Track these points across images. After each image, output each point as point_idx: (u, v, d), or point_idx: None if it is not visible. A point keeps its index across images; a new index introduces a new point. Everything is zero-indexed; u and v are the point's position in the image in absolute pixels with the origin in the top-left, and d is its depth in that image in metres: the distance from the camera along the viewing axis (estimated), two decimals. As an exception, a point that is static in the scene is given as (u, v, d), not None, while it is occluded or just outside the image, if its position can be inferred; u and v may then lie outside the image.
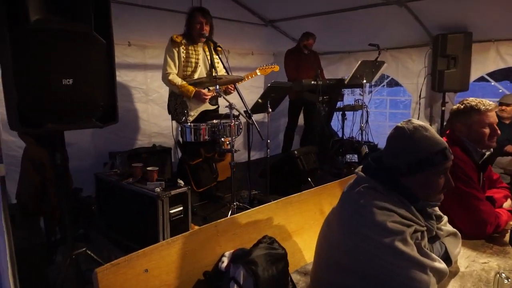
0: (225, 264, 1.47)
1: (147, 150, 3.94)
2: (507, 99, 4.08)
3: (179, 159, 3.71)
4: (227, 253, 1.52)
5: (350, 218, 1.23)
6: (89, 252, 2.21)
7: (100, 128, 1.93)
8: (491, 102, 1.81)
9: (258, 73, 3.52)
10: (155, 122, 4.38)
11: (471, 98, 1.87)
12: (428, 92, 5.18)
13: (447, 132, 1.97)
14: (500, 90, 5.09)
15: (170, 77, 3.25)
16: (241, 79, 2.95)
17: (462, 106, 1.87)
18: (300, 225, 1.89)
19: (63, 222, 2.42)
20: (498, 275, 1.14)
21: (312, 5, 4.66)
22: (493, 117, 1.81)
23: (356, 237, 1.18)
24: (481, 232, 1.75)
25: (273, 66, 3.58)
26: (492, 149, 1.91)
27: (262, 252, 1.34)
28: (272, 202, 1.83)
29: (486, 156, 1.88)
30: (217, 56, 3.32)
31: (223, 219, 1.64)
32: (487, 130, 1.80)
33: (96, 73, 1.85)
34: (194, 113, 3.31)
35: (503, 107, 4.06)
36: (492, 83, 5.09)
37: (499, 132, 1.81)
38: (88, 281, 2.18)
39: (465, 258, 1.59)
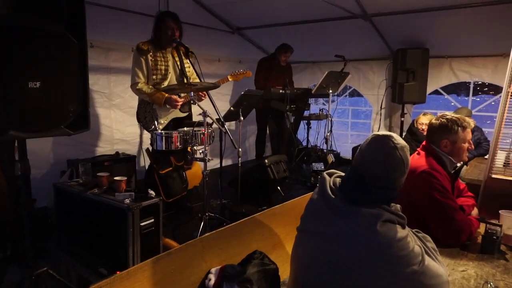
0: (212, 281, 1.40)
1: (111, 158, 3.72)
2: (462, 112, 4.37)
3: (147, 167, 3.55)
4: (213, 270, 1.45)
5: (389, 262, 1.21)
6: (51, 272, 2.01)
7: (69, 135, 1.78)
8: (469, 120, 1.93)
9: (230, 79, 3.46)
10: (118, 128, 4.16)
11: (449, 114, 1.98)
12: (388, 103, 5.44)
13: (424, 143, 2.05)
14: (452, 103, 5.46)
15: (139, 86, 3.15)
16: (216, 86, 2.88)
17: (447, 123, 1.94)
18: (283, 236, 1.86)
19: (20, 236, 2.20)
20: (488, 285, 1.18)
21: (280, 15, 4.72)
22: (470, 134, 1.93)
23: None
24: (456, 241, 1.82)
25: (245, 72, 3.54)
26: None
27: (255, 269, 1.29)
28: (257, 214, 1.78)
29: (458, 167, 1.98)
30: (188, 61, 3.23)
31: (208, 234, 1.56)
32: (466, 145, 1.92)
33: (67, 76, 1.71)
34: (164, 121, 3.19)
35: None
36: (445, 96, 5.44)
37: (473, 146, 1.91)
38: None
39: (445, 266, 1.64)
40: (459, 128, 1.92)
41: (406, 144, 1.31)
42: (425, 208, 1.89)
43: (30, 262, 1.92)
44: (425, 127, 4.13)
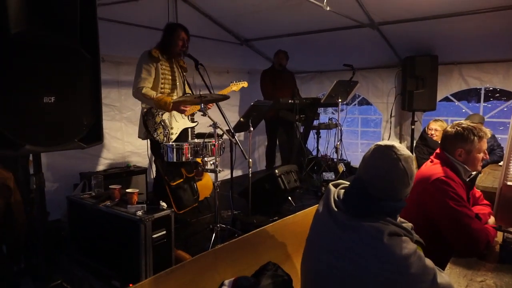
0: (226, 293, 1.38)
1: (122, 170, 3.76)
2: (474, 119, 4.32)
3: (154, 179, 3.56)
4: (226, 282, 1.44)
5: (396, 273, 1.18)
6: (65, 285, 2.02)
7: (82, 149, 1.80)
8: (486, 129, 1.90)
9: (233, 89, 3.52)
10: (129, 140, 4.21)
11: (465, 122, 1.94)
12: (398, 111, 5.40)
13: (437, 151, 2.03)
14: (463, 110, 5.40)
15: (144, 91, 3.08)
16: (226, 98, 2.90)
17: (463, 132, 1.90)
18: (296, 247, 1.84)
19: (34, 250, 2.22)
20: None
21: (287, 26, 4.76)
22: (485, 144, 1.91)
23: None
24: (474, 250, 1.78)
25: (243, 82, 3.60)
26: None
27: (269, 281, 1.28)
28: (269, 225, 1.78)
29: (472, 175, 1.95)
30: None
31: (221, 245, 1.56)
32: (481, 155, 1.89)
33: (81, 90, 1.74)
34: (175, 131, 3.21)
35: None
36: (456, 103, 5.39)
37: (487, 156, 1.89)
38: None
39: (463, 277, 1.61)
40: (475, 138, 1.88)
41: (410, 154, 1.29)
42: (440, 218, 1.86)
43: (43, 275, 1.93)
44: (435, 133, 4.08)
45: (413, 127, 5.10)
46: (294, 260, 1.84)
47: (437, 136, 4.04)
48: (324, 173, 4.67)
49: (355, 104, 6.37)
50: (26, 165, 2.54)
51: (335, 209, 1.31)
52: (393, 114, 5.41)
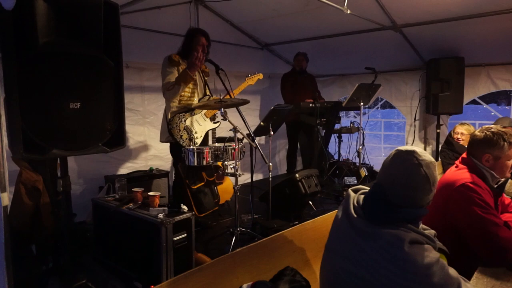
0: (244, 297, 1.39)
1: (145, 173, 3.84)
2: (503, 122, 4.15)
3: (173, 182, 3.62)
4: (245, 286, 1.44)
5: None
6: (90, 285, 2.08)
7: (106, 153, 1.86)
8: None
9: (248, 83, 3.56)
10: (151, 144, 4.30)
11: (495, 127, 1.87)
12: (422, 114, 5.27)
13: (463, 155, 1.96)
14: (492, 113, 5.21)
15: (171, 81, 3.15)
16: (246, 102, 2.93)
17: (492, 136, 1.83)
18: (315, 253, 1.82)
19: (61, 251, 2.30)
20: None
21: (308, 30, 4.75)
22: None
23: None
24: (501, 260, 1.70)
25: (258, 75, 3.64)
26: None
27: (287, 286, 1.27)
28: (288, 229, 1.77)
29: (501, 181, 1.87)
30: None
31: (239, 249, 1.56)
32: (510, 163, 1.81)
33: (104, 96, 1.80)
34: (200, 135, 3.26)
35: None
36: (484, 106, 5.21)
37: None
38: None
39: None
40: (505, 144, 1.79)
41: (432, 159, 1.25)
42: (465, 225, 1.79)
43: (69, 274, 2.00)
44: (461, 137, 3.95)
45: (438, 131, 4.96)
46: (313, 265, 1.82)
47: (463, 140, 3.90)
48: (345, 178, 4.61)
49: (377, 108, 6.27)
50: (54, 168, 2.63)
51: (354, 215, 1.29)
52: (417, 118, 5.29)
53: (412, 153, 1.25)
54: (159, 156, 4.34)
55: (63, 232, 1.98)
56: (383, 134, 6.25)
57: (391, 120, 7.57)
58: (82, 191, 3.78)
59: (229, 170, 2.90)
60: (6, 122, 1.66)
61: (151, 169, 4.01)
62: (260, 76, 3.65)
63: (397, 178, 1.24)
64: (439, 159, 4.09)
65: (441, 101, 4.63)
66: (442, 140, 4.85)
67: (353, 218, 1.27)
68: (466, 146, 2.03)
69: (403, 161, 1.24)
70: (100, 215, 2.80)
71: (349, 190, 1.43)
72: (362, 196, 1.36)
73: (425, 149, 5.33)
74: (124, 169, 4.04)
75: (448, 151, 4.07)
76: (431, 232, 1.39)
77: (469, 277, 1.57)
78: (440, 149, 4.58)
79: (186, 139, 3.16)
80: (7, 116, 1.64)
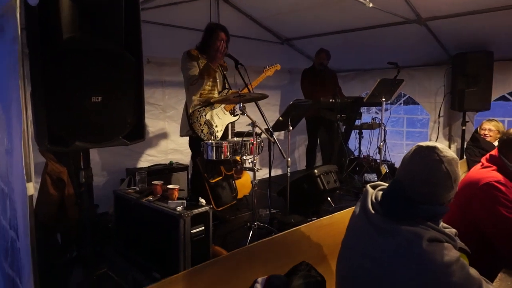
0: (258, 291, 1.39)
1: (165, 167, 3.91)
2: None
3: (191, 175, 3.66)
4: (260, 279, 1.45)
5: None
6: (110, 273, 2.14)
7: (126, 145, 1.90)
8: None
9: (266, 75, 3.59)
10: (172, 138, 4.36)
11: None
12: (447, 111, 5.11)
13: (492, 153, 1.90)
14: (522, 110, 5.00)
15: (194, 78, 3.19)
16: (265, 97, 2.92)
17: None
18: (332, 249, 1.80)
19: (83, 240, 2.37)
20: None
21: (329, 24, 4.68)
22: None
23: None
24: (527, 262, 1.65)
25: (275, 66, 3.64)
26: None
27: (301, 281, 1.27)
28: (304, 225, 1.76)
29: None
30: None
31: (254, 243, 1.57)
32: None
33: (125, 90, 1.83)
34: (220, 128, 3.30)
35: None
36: (514, 102, 5.00)
37: None
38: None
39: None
40: None
41: (454, 156, 1.21)
42: (489, 225, 1.74)
43: (91, 264, 2.06)
44: (488, 133, 3.80)
45: (463, 128, 4.80)
46: (330, 261, 1.81)
47: (490, 137, 3.77)
48: (365, 174, 4.54)
49: (400, 104, 6.13)
50: (78, 160, 2.72)
51: (372, 212, 1.27)
52: (441, 114, 5.13)
53: (433, 149, 1.21)
54: (179, 150, 4.40)
55: (85, 223, 2.05)
56: (405, 130, 6.11)
57: (414, 116, 7.37)
58: (104, 183, 3.88)
59: (247, 165, 2.91)
60: (32, 116, 1.73)
61: (171, 163, 4.08)
62: (278, 67, 3.64)
63: (417, 174, 1.21)
64: (465, 156, 3.96)
65: (467, 97, 4.47)
66: (467, 137, 4.70)
67: (371, 214, 1.25)
68: (493, 143, 1.96)
69: (424, 157, 1.21)
70: (121, 207, 2.87)
71: (368, 186, 1.40)
72: (381, 192, 1.33)
73: (449, 147, 5.19)
74: (145, 163, 4.12)
75: (473, 148, 3.94)
76: (452, 230, 1.35)
77: (492, 278, 1.52)
78: (466, 146, 4.44)
79: (207, 133, 3.20)
80: (33, 109, 1.71)
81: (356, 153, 5.54)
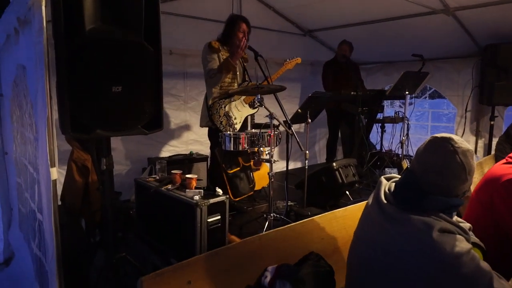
0: (268, 279, 1.42)
1: (185, 157, 3.99)
2: None
3: (210, 165, 3.72)
4: (270, 268, 1.47)
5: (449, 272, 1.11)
6: (129, 258, 2.23)
7: (145, 134, 1.95)
8: None
9: (286, 67, 3.56)
10: (192, 129, 4.44)
11: None
12: (474, 105, 4.93)
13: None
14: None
15: (212, 72, 3.23)
16: (283, 88, 2.92)
17: None
18: (344, 241, 1.81)
19: (104, 225, 2.48)
20: None
21: (352, 15, 4.59)
22: None
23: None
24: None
25: (296, 59, 3.61)
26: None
27: (309, 270, 1.28)
28: (317, 216, 1.77)
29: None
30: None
31: (266, 232, 1.59)
32: None
33: (144, 80, 1.88)
34: (239, 120, 3.33)
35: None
36: (547, 97, 4.74)
37: None
38: (125, 285, 2.21)
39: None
40: None
41: (469, 148, 1.18)
42: (510, 223, 1.68)
43: (111, 248, 2.15)
44: None
45: (492, 123, 4.62)
46: (343, 253, 1.81)
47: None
48: (386, 169, 4.47)
49: (425, 97, 5.96)
50: (100, 148, 2.82)
51: (385, 201, 1.26)
52: (469, 109, 4.95)
53: (448, 139, 1.19)
54: (199, 140, 4.47)
55: (107, 208, 2.13)
56: (430, 125, 5.94)
57: (440, 110, 7.15)
58: (127, 171, 4.01)
59: (264, 156, 2.93)
60: (57, 104, 1.81)
61: (191, 153, 4.16)
62: (299, 60, 3.61)
63: (431, 165, 1.19)
64: (494, 152, 3.82)
65: (497, 91, 4.29)
66: (496, 133, 4.52)
67: (383, 204, 1.25)
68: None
69: (438, 147, 1.19)
70: (141, 195, 2.96)
71: (382, 177, 1.40)
72: (394, 183, 1.33)
73: (476, 142, 5.01)
74: (166, 152, 4.22)
75: (505, 144, 3.77)
76: (466, 225, 1.33)
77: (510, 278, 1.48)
78: (497, 141, 4.28)
79: (226, 124, 3.25)
80: (58, 98, 1.79)
81: (378, 147, 5.45)
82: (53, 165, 1.59)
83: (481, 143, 5.02)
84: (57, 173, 1.61)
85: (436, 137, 1.23)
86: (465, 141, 1.23)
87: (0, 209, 3.50)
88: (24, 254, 2.74)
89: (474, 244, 1.36)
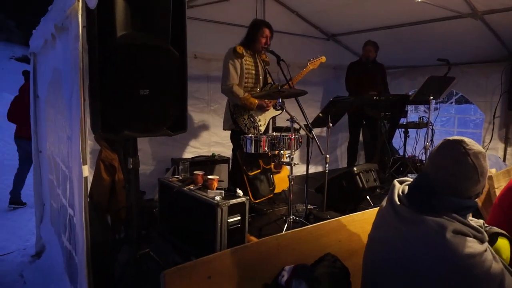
0: (285, 278, 1.46)
1: (207, 158, 4.08)
2: None
3: (231, 167, 3.79)
4: (287, 268, 1.51)
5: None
6: (152, 254, 2.32)
7: (169, 136, 2.04)
8: None
9: (310, 68, 3.58)
10: (215, 132, 4.53)
11: None
12: (504, 111, 4.78)
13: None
14: None
15: (234, 89, 3.31)
16: (304, 93, 2.95)
17: None
18: (362, 245, 1.82)
19: (129, 222, 2.58)
20: None
21: (376, 19, 4.56)
22: None
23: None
24: None
25: (320, 58, 3.63)
26: None
27: (325, 271, 1.31)
28: (334, 219, 1.79)
29: None
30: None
31: (284, 232, 1.63)
32: None
33: (170, 84, 1.97)
34: (264, 122, 3.40)
35: None
36: None
37: None
38: (147, 281, 2.30)
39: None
40: None
41: (482, 150, 1.20)
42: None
43: (135, 244, 2.25)
44: None
45: (522, 129, 4.48)
46: (360, 257, 1.81)
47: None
48: (409, 175, 4.40)
49: (451, 103, 5.82)
50: (127, 148, 2.94)
51: (398, 203, 1.29)
52: (497, 115, 4.81)
53: (459, 142, 1.21)
54: (221, 143, 4.56)
55: (132, 206, 2.23)
56: (456, 131, 5.79)
57: (467, 116, 6.93)
58: (152, 171, 4.14)
59: (284, 160, 2.97)
60: (89, 105, 1.92)
61: (213, 155, 4.24)
62: (323, 59, 3.63)
63: (444, 168, 1.21)
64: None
65: (527, 97, 4.16)
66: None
67: (397, 206, 1.28)
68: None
69: (450, 150, 1.22)
70: (165, 194, 3.06)
71: (395, 180, 1.42)
72: (408, 186, 1.35)
73: (505, 150, 4.86)
74: (189, 154, 4.33)
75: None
76: (479, 221, 1.33)
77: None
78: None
79: (250, 127, 3.32)
80: (90, 100, 1.90)
81: (401, 153, 5.37)
82: (84, 163, 1.70)
83: (510, 150, 4.86)
84: (88, 171, 1.71)
85: (448, 139, 1.26)
86: (477, 143, 1.25)
87: (34, 204, 3.70)
88: (54, 247, 2.89)
89: (497, 234, 1.35)
